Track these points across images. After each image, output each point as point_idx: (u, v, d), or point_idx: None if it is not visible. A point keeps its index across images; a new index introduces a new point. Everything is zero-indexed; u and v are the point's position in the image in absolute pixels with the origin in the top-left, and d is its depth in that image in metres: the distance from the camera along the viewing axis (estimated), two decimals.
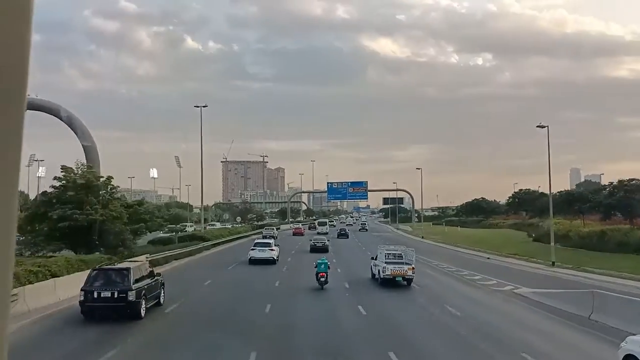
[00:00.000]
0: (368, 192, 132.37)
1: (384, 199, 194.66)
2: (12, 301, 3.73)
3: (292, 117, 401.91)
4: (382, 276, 28.21)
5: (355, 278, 31.32)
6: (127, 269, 19.10)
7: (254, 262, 37.65)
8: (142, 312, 18.61)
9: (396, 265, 28.36)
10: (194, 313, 20.65)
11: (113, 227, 29.21)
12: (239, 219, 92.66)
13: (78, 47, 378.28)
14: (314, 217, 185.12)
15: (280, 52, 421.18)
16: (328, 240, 53.36)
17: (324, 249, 46.93)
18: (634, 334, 11.66)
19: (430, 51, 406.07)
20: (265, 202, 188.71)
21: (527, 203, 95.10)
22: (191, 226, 79.60)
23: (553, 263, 40.31)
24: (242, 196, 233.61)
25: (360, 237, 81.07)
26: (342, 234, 76.77)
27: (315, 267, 27.32)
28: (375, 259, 30.37)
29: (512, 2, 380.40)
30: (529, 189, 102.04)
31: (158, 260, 33.53)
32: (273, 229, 79.02)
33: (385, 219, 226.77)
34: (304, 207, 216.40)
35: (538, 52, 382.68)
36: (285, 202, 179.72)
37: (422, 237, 79.97)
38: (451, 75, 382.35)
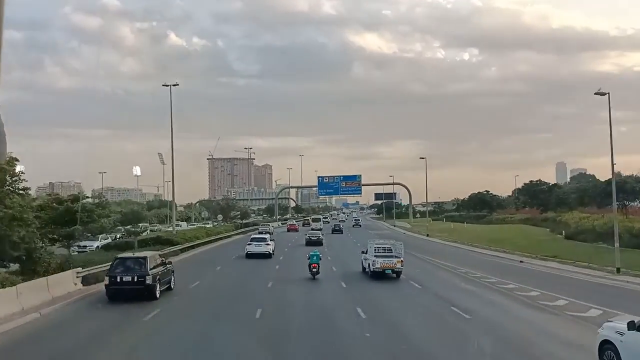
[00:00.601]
0: (362, 187, 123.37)
1: (376, 194, 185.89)
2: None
3: (278, 113, 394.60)
4: (372, 269, 28.74)
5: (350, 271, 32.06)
6: (144, 258, 22.09)
7: (250, 256, 39.19)
8: (158, 294, 21.51)
9: (385, 259, 28.95)
10: (211, 289, 25.51)
11: (10, 232, 19.37)
12: (220, 217, 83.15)
13: (59, 44, 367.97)
14: (303, 215, 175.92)
15: (265, 48, 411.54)
16: (322, 235, 55.95)
17: (318, 243, 49.91)
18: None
19: (416, 47, 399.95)
20: (251, 199, 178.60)
21: (538, 196, 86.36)
22: (154, 227, 70.36)
23: (618, 270, 31.07)
24: (229, 193, 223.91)
25: (354, 233, 76.53)
26: (337, 230, 77.13)
27: (308, 258, 28.73)
28: (366, 253, 30.81)
29: None
30: (539, 180, 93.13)
31: (87, 279, 23.89)
32: (269, 225, 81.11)
33: (378, 215, 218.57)
34: (293, 204, 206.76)
35: (524, 47, 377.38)
36: (272, 198, 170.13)
37: (428, 235, 70.81)
38: (438, 70, 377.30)
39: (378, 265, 28.45)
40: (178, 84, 56.09)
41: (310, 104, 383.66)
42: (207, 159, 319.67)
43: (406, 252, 31.69)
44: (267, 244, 40.93)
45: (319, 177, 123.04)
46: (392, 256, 29.41)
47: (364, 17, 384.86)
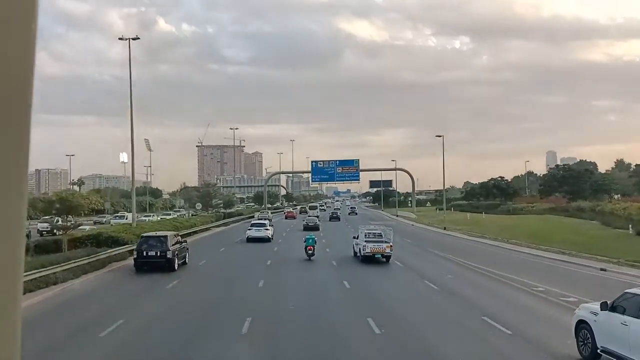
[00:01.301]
0: (360, 173, 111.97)
1: (371, 182, 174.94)
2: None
3: (268, 101, 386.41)
4: (362, 254, 29.62)
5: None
6: (165, 236, 27.25)
7: (251, 240, 41.45)
8: (176, 266, 26.46)
9: (375, 244, 29.95)
10: (216, 267, 29.03)
11: None
12: (198, 205, 71.52)
13: (46, 29, 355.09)
14: (294, 202, 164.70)
15: (255, 34, 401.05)
16: (319, 221, 59.98)
17: (315, 228, 52.49)
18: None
19: (407, 34, 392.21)
20: (237, 187, 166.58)
21: (566, 182, 75.43)
22: (122, 216, 58.96)
23: None
24: (218, 181, 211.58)
25: (351, 221, 71.95)
26: (334, 217, 78.60)
27: (305, 241, 31.14)
28: (357, 238, 31.86)
29: None
30: (566, 165, 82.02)
31: None
32: (268, 212, 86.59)
33: (373, 204, 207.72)
34: (283, 192, 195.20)
35: (514, 35, 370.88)
36: (261, 186, 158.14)
37: (445, 229, 59.53)
38: (428, 58, 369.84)
39: (368, 250, 29.47)
40: (139, 38, 46.02)
41: (301, 92, 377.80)
42: (197, 146, 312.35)
43: (427, 250, 32.48)
44: (267, 229, 43.25)
45: (312, 162, 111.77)
46: (382, 241, 30.43)
47: (354, 4, 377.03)
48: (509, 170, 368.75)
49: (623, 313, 10.72)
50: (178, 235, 29.98)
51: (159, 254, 25.70)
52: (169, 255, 25.85)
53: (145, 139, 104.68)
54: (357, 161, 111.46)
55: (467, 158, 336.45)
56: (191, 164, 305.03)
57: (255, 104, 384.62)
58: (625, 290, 11.59)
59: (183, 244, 29.08)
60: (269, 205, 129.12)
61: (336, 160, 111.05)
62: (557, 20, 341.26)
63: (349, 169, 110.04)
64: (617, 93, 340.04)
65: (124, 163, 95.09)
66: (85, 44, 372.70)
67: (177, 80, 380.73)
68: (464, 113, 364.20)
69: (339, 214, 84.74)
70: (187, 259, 28.75)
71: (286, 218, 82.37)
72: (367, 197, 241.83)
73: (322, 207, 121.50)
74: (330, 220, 74.23)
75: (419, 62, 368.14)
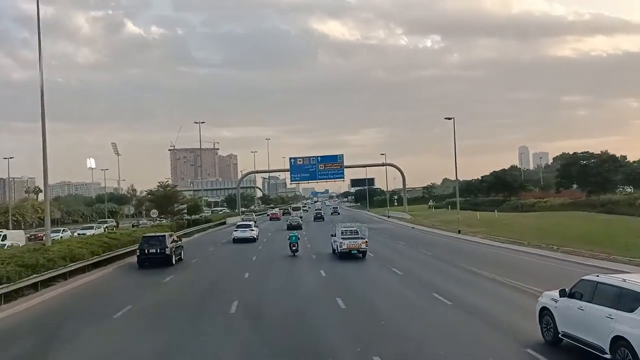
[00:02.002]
0: (345, 169, 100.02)
1: (353, 180, 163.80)
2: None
3: (242, 103, 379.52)
4: (339, 250, 30.96)
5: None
6: (164, 236, 30.81)
7: (237, 241, 43.63)
8: (174, 262, 30.14)
9: (352, 240, 31.21)
10: (207, 263, 32.31)
11: None
12: (154, 212, 58.95)
13: (10, 34, 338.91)
14: (272, 205, 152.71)
15: (227, 36, 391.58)
16: (302, 220, 65.79)
17: (298, 227, 56.17)
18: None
19: (379, 33, 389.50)
20: (207, 190, 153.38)
21: (588, 173, 64.81)
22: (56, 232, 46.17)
23: None
24: (192, 184, 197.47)
25: (335, 221, 66.80)
26: (319, 217, 79.94)
27: (289, 239, 33.53)
28: (335, 236, 32.91)
29: None
30: (587, 152, 71.25)
31: None
32: (252, 214, 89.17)
33: (356, 204, 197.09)
34: (259, 194, 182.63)
35: (485, 33, 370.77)
36: (234, 188, 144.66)
37: (460, 232, 48.07)
38: (401, 57, 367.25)
39: (344, 247, 30.71)
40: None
41: (274, 93, 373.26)
42: (169, 149, 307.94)
43: (462, 267, 26.18)
44: (252, 230, 45.35)
45: (291, 159, 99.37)
46: (358, 237, 31.79)
47: (327, 4, 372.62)
48: (484, 166, 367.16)
49: (580, 299, 11.30)
50: (174, 235, 33.99)
51: (158, 251, 29.60)
52: (168, 252, 29.79)
53: (112, 143, 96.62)
54: (341, 157, 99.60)
55: (441, 156, 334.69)
56: (164, 168, 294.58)
57: (228, 106, 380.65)
58: (582, 278, 12.02)
59: (179, 242, 33.65)
60: (243, 209, 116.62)
61: (317, 157, 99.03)
62: (526, 17, 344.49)
63: (332, 165, 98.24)
64: (587, 88, 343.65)
65: (92, 169, 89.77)
66: (51, 48, 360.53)
67: (147, 84, 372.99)
68: (437, 111, 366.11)
69: (322, 214, 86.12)
70: (182, 256, 32.72)
71: (270, 219, 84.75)
72: (349, 197, 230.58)
73: (305, 208, 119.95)
74: (314, 221, 76.79)
75: (392, 61, 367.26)
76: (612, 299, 10.37)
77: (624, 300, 10.05)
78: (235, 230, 45.58)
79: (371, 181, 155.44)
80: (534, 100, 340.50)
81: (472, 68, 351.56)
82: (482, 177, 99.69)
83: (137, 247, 31.73)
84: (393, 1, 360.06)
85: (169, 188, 65.03)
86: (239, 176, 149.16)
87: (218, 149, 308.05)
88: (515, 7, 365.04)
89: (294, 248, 32.68)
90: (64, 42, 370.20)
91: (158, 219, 62.38)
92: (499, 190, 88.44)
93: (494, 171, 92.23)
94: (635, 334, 9.41)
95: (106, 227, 61.69)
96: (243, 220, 58.48)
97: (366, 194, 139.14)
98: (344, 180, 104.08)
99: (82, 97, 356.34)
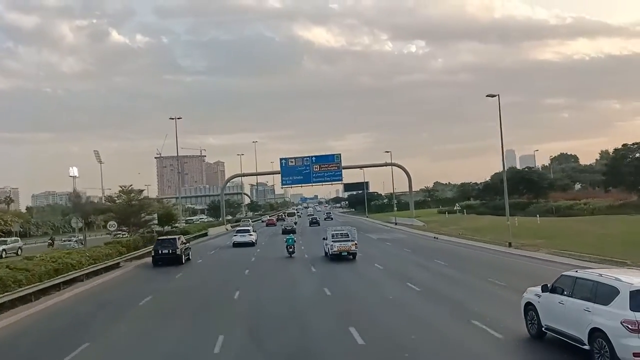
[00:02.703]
0: (342, 170, 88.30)
1: (346, 185, 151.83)
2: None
3: (228, 110, 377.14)
4: (330, 252, 32.59)
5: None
6: (175, 238, 36.35)
7: (237, 245, 46.19)
8: (183, 261, 34.86)
9: (342, 243, 32.78)
10: (211, 263, 36.20)
11: None
12: (112, 225, 46.32)
13: None
14: (261, 212, 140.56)
15: (211, 43, 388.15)
16: (296, 224, 73.06)
17: (292, 231, 58.11)
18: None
19: (364, 40, 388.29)
20: (190, 197, 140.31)
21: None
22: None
23: None
24: (178, 192, 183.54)
25: (329, 225, 58.08)
26: (314, 222, 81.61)
27: (286, 241, 36.36)
28: (326, 239, 34.44)
29: None
30: (630, 144, 60.12)
31: None
32: (249, 220, 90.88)
33: (350, 209, 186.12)
34: (247, 200, 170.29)
35: (469, 37, 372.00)
36: (216, 195, 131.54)
37: (510, 245, 36.35)
38: (386, 63, 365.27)
39: (335, 249, 32.27)
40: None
41: (260, 100, 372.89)
42: (155, 157, 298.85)
43: None
44: (250, 235, 48.77)
45: (282, 159, 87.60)
46: (348, 240, 33.16)
47: (310, 11, 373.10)
48: (473, 169, 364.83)
49: (561, 293, 11.73)
50: (182, 237, 38.87)
51: (170, 252, 34.33)
52: (178, 252, 34.53)
53: (94, 151, 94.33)
54: (339, 157, 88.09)
55: (431, 160, 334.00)
56: (150, 176, 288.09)
57: (215, 113, 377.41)
58: (562, 273, 12.55)
59: (187, 244, 38.68)
60: (229, 217, 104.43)
61: (311, 157, 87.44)
62: (509, 21, 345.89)
63: (328, 166, 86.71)
64: (570, 91, 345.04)
65: (74, 177, 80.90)
66: (35, 57, 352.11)
67: (133, 92, 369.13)
68: (422, 115, 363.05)
69: (317, 219, 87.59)
70: (190, 256, 37.36)
71: (267, 225, 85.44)
72: (342, 203, 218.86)
73: (298, 214, 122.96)
74: (310, 226, 78.28)
75: (377, 66, 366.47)
76: (589, 293, 10.88)
77: (600, 293, 10.55)
78: (235, 235, 48.99)
79: (366, 185, 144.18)
80: (518, 103, 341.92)
81: (456, 72, 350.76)
82: (492, 175, 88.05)
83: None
84: (377, 7, 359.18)
85: (133, 194, 52.37)
86: (234, 187, 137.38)
87: (205, 156, 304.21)
88: (497, 11, 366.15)
89: (290, 250, 35.49)
90: (49, 51, 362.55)
91: (119, 232, 50.24)
92: (522, 192, 76.57)
93: (515, 169, 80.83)
94: (610, 325, 9.93)
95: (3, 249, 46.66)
96: (242, 226, 61.53)
97: (363, 199, 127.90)
98: (341, 183, 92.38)
99: (69, 107, 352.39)
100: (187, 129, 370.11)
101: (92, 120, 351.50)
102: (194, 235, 58.70)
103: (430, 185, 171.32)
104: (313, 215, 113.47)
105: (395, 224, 75.66)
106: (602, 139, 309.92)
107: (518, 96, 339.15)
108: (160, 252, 33.96)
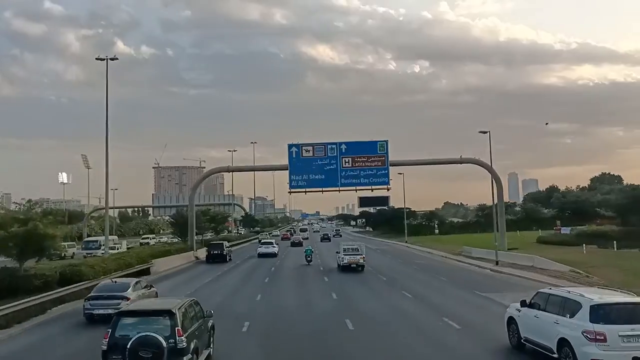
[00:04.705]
0: (389, 168, 54.12)
1: (361, 199, 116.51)
2: (149, 266, 37.77)
3: (230, 124, 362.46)
4: (341, 264, 38.14)
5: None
6: (222, 243, 52.20)
7: (261, 255, 52.61)
8: (228, 260, 48.98)
9: (351, 256, 38.06)
10: (245, 264, 46.58)
11: None
12: None
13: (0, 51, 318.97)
14: (258, 229, 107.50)
15: (216, 57, 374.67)
16: (303, 239, 79.00)
17: (299, 244, 69.05)
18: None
19: (368, 58, 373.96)
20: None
21: None
22: None
23: None
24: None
25: (340, 241, 64.51)
26: (325, 238, 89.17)
27: (305, 252, 45.27)
28: (339, 253, 40.08)
29: (446, 10, 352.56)
30: None
31: None
32: (267, 234, 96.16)
33: (363, 229, 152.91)
34: (242, 213, 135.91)
35: (472, 59, 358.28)
36: (223, 204, 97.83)
37: None
38: (389, 82, 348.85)
39: (346, 261, 37.62)
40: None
41: (263, 115, 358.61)
42: (153, 167, 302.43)
43: None
44: (274, 247, 55.13)
45: (290, 146, 53.54)
46: (357, 254, 38.36)
47: (316, 28, 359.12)
48: (476, 191, 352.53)
49: (538, 308, 13.46)
50: (226, 242, 54.61)
51: (219, 252, 48.88)
52: (225, 252, 49.48)
53: (82, 155, 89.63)
54: (384, 145, 53.81)
55: (428, 180, 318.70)
56: (148, 187, 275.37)
57: (216, 126, 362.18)
58: (538, 290, 14.48)
59: (230, 248, 54.38)
60: (207, 236, 70.70)
61: (339, 144, 53.23)
62: (513, 45, 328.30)
63: (367, 160, 52.35)
64: (573, 116, 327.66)
65: (64, 184, 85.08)
66: (41, 65, 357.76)
67: (137, 103, 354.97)
68: (424, 135, 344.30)
69: (329, 235, 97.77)
70: (231, 257, 50.76)
71: (282, 239, 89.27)
72: (357, 221, 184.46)
73: (304, 229, 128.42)
74: (321, 241, 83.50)
75: (380, 85, 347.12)
76: (558, 307, 12.63)
77: (567, 308, 12.30)
78: (260, 247, 55.28)
79: (385, 200, 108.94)
80: (521, 126, 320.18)
81: (460, 94, 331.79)
82: (525, 196, 60.42)
83: None
84: (382, 27, 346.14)
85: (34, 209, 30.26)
86: (229, 198, 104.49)
87: (204, 167, 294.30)
88: (502, 34, 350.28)
89: (308, 259, 43.41)
90: (55, 59, 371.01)
91: None
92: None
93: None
94: (574, 335, 11.63)
95: None
96: (265, 239, 68.98)
97: (387, 217, 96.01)
98: (388, 189, 57.07)
99: (72, 115, 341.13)
100: (188, 142, 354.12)
101: (95, 129, 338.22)
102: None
103: (438, 205, 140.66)
104: (317, 231, 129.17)
105: (497, 262, 41.31)
106: (602, 165, 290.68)
107: (521, 119, 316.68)
108: (212, 252, 49.47)
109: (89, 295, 19.86)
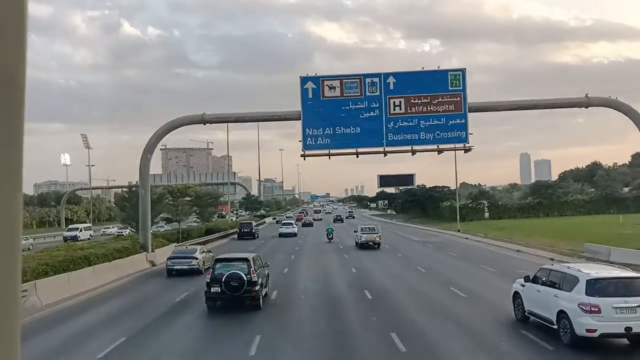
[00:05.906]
0: (468, 126, 33.55)
1: (381, 177, 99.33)
2: (22, 296, 15.21)
3: (238, 105, 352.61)
4: (359, 242, 41.30)
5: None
6: (251, 222, 63.66)
7: (282, 235, 56.49)
8: (256, 237, 55.45)
9: (368, 234, 41.30)
10: (272, 241, 51.39)
11: None
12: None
13: None
14: (263, 212, 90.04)
15: (223, 38, 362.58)
16: (317, 220, 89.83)
17: (310, 224, 76.65)
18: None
19: (377, 37, 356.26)
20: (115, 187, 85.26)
21: None
22: None
23: None
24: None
25: (350, 221, 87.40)
26: (338, 219, 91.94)
27: (326, 230, 49.66)
28: (357, 232, 43.04)
29: None
30: None
31: None
32: (284, 215, 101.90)
33: (384, 212, 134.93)
34: (242, 194, 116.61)
35: (484, 38, 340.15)
36: (217, 183, 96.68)
37: None
38: (399, 62, 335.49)
39: (363, 239, 40.89)
40: None
41: (271, 96, 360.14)
42: (160, 149, 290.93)
43: None
44: (293, 227, 60.15)
45: (304, 79, 33.03)
46: (374, 233, 41.52)
47: (323, 7, 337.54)
48: (486, 172, 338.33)
49: (540, 283, 14.38)
50: (253, 222, 63.82)
51: (249, 231, 54.26)
52: (254, 231, 55.20)
53: (82, 134, 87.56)
54: (459, 76, 33.18)
55: (438, 161, 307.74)
56: (155, 168, 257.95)
57: (224, 108, 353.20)
58: (541, 266, 15.72)
59: (257, 227, 60.79)
60: (172, 228, 51.67)
61: (385, 76, 32.55)
62: (526, 22, 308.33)
63: (432, 102, 31.52)
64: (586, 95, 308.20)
65: (66, 165, 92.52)
66: (47, 47, 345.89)
67: (144, 85, 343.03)
68: None
69: (342, 216, 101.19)
70: (258, 234, 56.31)
71: (297, 221, 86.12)
72: (377, 202, 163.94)
73: (318, 210, 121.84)
74: (334, 222, 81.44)
75: (390, 65, 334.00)
76: (558, 282, 13.58)
77: (566, 282, 13.23)
78: (281, 228, 59.65)
79: (409, 179, 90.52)
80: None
81: (471, 73, 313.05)
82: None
83: None
84: (391, 4, 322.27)
85: None
86: (234, 177, 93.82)
87: (212, 149, 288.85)
88: (515, 12, 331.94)
89: (330, 237, 47.82)
90: (62, 42, 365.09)
91: None
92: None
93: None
94: (571, 307, 12.52)
95: None
96: (286, 219, 76.30)
97: (417, 198, 76.73)
98: (466, 150, 37.47)
99: (80, 98, 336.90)
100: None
101: (103, 112, 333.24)
102: None
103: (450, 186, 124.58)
104: (330, 212, 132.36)
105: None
106: (618, 145, 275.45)
107: (533, 98, 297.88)
108: (242, 230, 55.37)
109: (170, 255, 28.70)
